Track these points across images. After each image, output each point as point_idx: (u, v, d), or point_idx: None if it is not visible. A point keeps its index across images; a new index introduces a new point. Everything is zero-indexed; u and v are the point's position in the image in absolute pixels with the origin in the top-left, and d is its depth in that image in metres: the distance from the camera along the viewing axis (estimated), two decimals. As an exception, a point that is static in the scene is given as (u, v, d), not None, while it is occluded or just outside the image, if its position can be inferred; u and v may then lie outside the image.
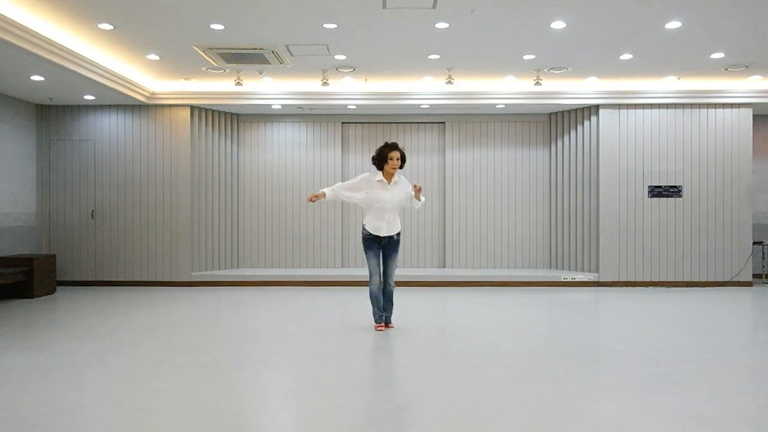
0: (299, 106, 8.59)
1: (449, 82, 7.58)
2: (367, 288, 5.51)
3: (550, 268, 9.16)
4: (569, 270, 8.87)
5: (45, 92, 7.70)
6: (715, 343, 5.05)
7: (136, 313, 6.43)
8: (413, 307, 6.81)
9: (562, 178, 8.98)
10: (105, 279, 8.59)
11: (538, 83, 7.62)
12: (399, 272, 8.33)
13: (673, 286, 8.45)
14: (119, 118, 8.61)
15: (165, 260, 8.57)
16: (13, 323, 5.88)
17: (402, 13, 5.37)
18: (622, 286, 8.46)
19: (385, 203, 5.23)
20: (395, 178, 5.30)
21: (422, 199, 5.33)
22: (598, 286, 8.48)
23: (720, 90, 8.24)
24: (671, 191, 8.49)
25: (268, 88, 8.26)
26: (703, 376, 4.01)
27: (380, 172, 5.28)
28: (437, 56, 6.79)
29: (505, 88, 8.18)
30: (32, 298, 7.38)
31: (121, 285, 8.57)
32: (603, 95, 8.30)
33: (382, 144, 5.35)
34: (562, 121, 9.02)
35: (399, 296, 6.83)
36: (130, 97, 7.86)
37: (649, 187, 8.50)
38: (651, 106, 8.48)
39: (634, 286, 8.47)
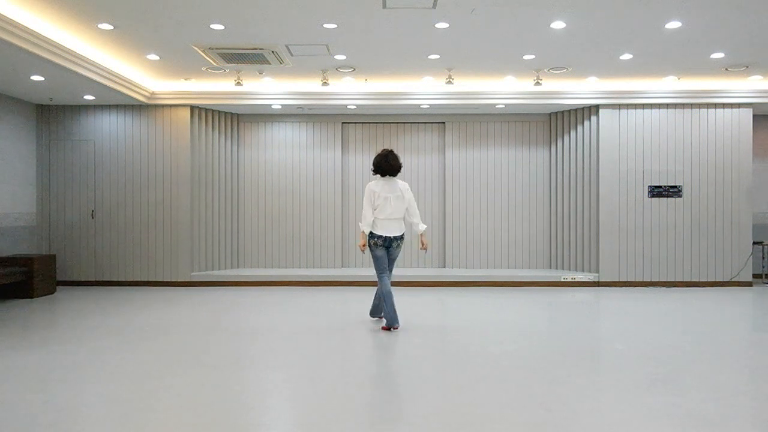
0: (299, 106, 8.59)
1: (449, 82, 7.58)
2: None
3: (550, 268, 9.15)
4: (569, 270, 8.87)
5: (45, 92, 7.70)
6: (715, 343, 5.05)
7: (136, 313, 6.43)
8: (413, 307, 6.80)
9: (562, 178, 8.98)
10: (105, 279, 8.59)
11: (538, 83, 7.62)
12: (399, 272, 8.36)
13: (673, 286, 8.44)
14: (119, 118, 8.61)
15: (165, 260, 8.57)
16: (13, 323, 5.88)
17: (402, 13, 5.37)
18: (622, 286, 8.46)
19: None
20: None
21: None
22: (598, 286, 8.48)
23: (720, 90, 8.24)
24: (671, 191, 8.49)
25: (268, 88, 8.26)
26: (703, 376, 4.01)
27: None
28: (437, 56, 6.79)
29: (505, 88, 8.18)
30: (32, 298, 7.38)
31: (121, 285, 8.57)
32: (603, 95, 8.30)
33: (381, 154, 5.61)
34: (562, 121, 9.02)
35: (399, 296, 6.84)
36: (130, 97, 7.86)
37: (649, 187, 8.50)
38: (651, 106, 8.48)
39: (634, 286, 8.47)
